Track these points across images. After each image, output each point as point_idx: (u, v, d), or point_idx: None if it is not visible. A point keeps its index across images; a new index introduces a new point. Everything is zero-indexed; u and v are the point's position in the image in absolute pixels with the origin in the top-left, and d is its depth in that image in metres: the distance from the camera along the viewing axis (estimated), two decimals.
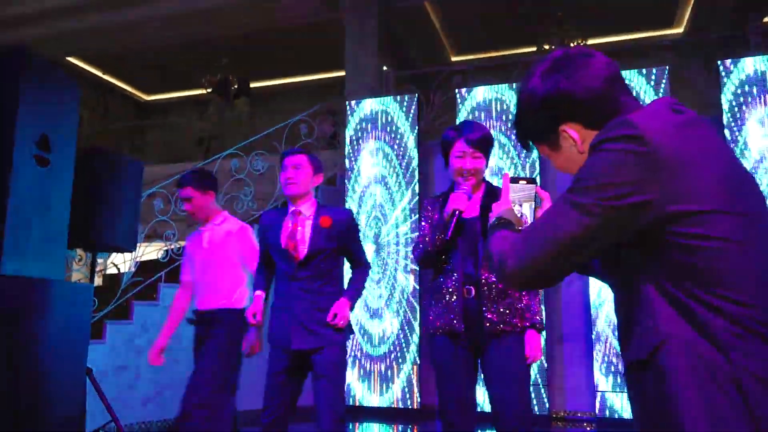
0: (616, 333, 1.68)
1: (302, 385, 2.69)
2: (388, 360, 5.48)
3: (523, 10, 9.06)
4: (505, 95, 5.59)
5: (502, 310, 2.30)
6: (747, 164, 4.93)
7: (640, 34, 9.58)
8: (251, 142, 6.00)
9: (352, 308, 2.74)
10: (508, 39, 9.57)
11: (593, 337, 5.05)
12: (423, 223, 2.50)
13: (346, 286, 2.82)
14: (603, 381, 4.96)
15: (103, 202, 3.52)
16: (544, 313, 5.08)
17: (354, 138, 6.01)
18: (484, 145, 2.43)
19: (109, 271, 5.81)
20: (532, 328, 2.33)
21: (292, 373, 2.64)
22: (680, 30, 9.47)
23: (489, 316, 2.30)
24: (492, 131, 5.52)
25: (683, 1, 9.01)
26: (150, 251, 5.44)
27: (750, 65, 5.07)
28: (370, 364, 5.51)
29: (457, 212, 2.29)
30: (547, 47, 8.67)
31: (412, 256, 4.00)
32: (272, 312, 2.72)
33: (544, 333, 2.55)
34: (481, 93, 5.67)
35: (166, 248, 5.31)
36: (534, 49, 9.34)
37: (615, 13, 8.99)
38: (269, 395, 2.61)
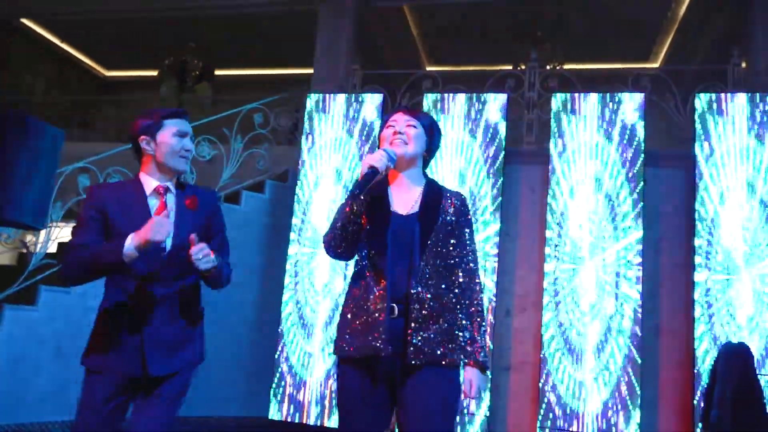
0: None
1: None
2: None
3: (502, 28, 8.90)
4: (477, 106, 5.30)
5: (432, 336, 1.87)
6: (716, 199, 4.75)
7: (617, 64, 9.52)
8: (197, 126, 5.55)
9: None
10: (484, 54, 9.39)
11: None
12: None
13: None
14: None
15: (10, 172, 3.08)
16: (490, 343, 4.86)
17: (312, 133, 5.64)
18: (423, 118, 2.08)
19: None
20: (474, 365, 1.92)
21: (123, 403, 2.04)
22: (656, 65, 9.44)
23: (415, 341, 1.86)
24: (460, 140, 5.27)
25: (661, 37, 8.98)
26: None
27: (728, 101, 4.91)
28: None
29: (373, 169, 1.88)
30: (523, 66, 8.50)
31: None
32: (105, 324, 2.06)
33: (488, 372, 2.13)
34: (452, 99, 5.37)
35: None
36: (510, 67, 9.18)
37: (593, 42, 8.90)
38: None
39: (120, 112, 11.14)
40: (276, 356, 5.18)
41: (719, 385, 3.26)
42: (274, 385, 5.13)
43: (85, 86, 11.59)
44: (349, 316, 1.95)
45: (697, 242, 4.72)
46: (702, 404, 3.73)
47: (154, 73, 10.04)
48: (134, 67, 11.29)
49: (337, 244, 1.98)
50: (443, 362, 1.88)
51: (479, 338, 1.94)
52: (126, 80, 11.78)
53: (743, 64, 6.45)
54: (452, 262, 1.98)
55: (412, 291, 1.88)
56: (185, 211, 2.14)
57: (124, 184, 2.19)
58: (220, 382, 5.20)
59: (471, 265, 2.01)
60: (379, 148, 2.05)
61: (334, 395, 5.01)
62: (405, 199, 2.01)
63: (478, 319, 1.96)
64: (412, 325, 1.86)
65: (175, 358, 2.09)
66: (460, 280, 1.97)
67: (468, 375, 1.93)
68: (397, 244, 1.93)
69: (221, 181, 5.52)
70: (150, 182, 2.14)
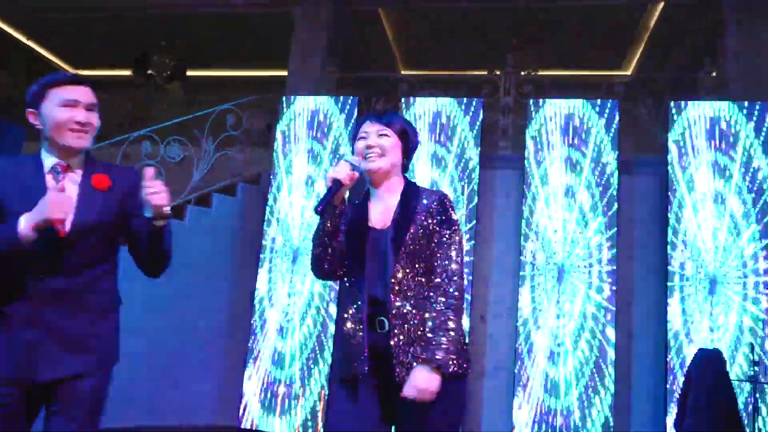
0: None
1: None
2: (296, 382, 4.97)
3: (477, 35, 8.92)
4: (452, 111, 5.27)
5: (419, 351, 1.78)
6: (691, 206, 4.78)
7: (589, 71, 9.61)
8: (167, 126, 5.43)
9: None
10: (459, 60, 9.39)
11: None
12: None
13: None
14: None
15: None
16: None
17: (286, 136, 5.54)
18: (394, 122, 1.97)
19: None
20: (423, 363, 1.74)
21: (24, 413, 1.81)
22: (628, 72, 9.56)
23: (402, 359, 1.78)
24: (435, 144, 5.23)
25: (633, 46, 9.09)
26: None
27: (700, 109, 4.96)
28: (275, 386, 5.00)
29: (336, 182, 1.82)
30: (498, 72, 8.53)
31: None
32: None
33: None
34: (427, 104, 5.33)
35: None
36: (485, 72, 9.19)
37: (566, 50, 8.97)
38: None
39: None
40: (248, 363, 5.07)
41: (693, 391, 3.26)
42: (245, 393, 5.01)
43: None
44: (338, 338, 1.92)
45: (670, 249, 4.75)
46: (676, 411, 3.73)
47: (124, 72, 9.83)
48: (103, 66, 11.05)
49: (320, 265, 1.94)
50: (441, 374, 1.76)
51: (444, 338, 1.76)
52: (94, 79, 11.53)
53: (713, 73, 6.56)
54: (428, 271, 1.87)
55: (390, 306, 1.82)
56: (92, 191, 1.87)
57: (25, 159, 1.93)
58: (189, 389, 5.06)
59: (452, 266, 1.85)
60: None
61: (311, 403, 4.93)
62: (383, 211, 1.94)
63: (450, 320, 1.79)
64: (396, 341, 1.79)
65: (78, 358, 1.81)
66: (437, 280, 1.84)
67: (415, 374, 1.74)
68: (376, 260, 1.87)
69: (191, 183, 5.39)
70: (49, 159, 1.89)
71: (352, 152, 2.03)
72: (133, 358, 4.88)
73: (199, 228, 5.29)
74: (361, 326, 1.83)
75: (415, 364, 1.76)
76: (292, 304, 5.12)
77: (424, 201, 1.92)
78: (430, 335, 1.77)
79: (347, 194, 1.96)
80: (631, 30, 8.69)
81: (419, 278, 1.85)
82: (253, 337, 5.12)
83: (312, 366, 4.97)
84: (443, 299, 1.82)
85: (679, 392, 3.61)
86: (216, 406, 5.19)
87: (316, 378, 4.94)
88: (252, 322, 5.14)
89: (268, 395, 4.99)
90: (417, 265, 1.85)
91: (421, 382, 1.71)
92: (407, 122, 2.04)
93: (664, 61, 8.70)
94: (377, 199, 1.98)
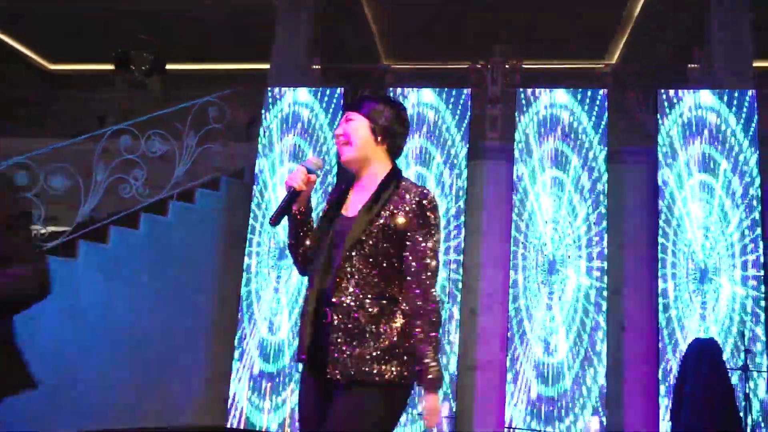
0: None
1: None
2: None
3: (461, 25, 8.85)
4: (439, 102, 5.19)
5: (357, 352, 1.65)
6: (680, 194, 4.76)
7: (574, 61, 9.59)
8: (147, 120, 5.27)
9: None
10: (443, 52, 9.31)
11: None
12: None
13: None
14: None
15: None
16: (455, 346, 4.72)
17: (269, 129, 5.43)
18: (360, 105, 1.83)
19: None
20: (428, 390, 1.67)
21: None
22: (613, 62, 9.55)
23: (336, 356, 1.66)
24: (422, 138, 5.15)
25: (617, 37, 9.08)
26: None
27: (688, 98, 4.93)
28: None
29: (291, 189, 1.75)
30: (482, 64, 8.47)
31: None
32: None
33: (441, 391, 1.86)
34: (415, 96, 5.25)
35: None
36: (468, 65, 9.13)
37: (551, 41, 8.93)
38: None
39: (68, 106, 10.65)
40: (235, 359, 4.97)
41: (689, 382, 3.22)
42: (232, 391, 4.91)
43: (31, 80, 11.04)
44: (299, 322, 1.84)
45: (660, 239, 4.73)
46: (670, 402, 3.70)
47: (101, 66, 9.62)
48: (81, 60, 10.82)
49: (300, 264, 1.88)
50: (376, 380, 1.65)
51: (429, 356, 1.67)
52: (72, 74, 11.28)
53: (698, 64, 6.55)
54: (393, 270, 1.72)
55: (333, 299, 1.69)
56: None
57: None
58: (175, 390, 4.95)
59: (422, 275, 1.71)
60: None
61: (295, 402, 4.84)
62: (359, 200, 1.80)
63: (430, 335, 1.68)
64: (334, 336, 1.66)
65: None
66: (412, 293, 1.71)
67: (426, 402, 1.68)
68: (334, 249, 1.75)
69: (174, 178, 5.25)
70: None
71: None
72: (116, 360, 4.80)
73: (182, 224, 5.16)
74: (305, 318, 1.73)
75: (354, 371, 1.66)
76: (280, 299, 5.02)
77: (402, 194, 1.76)
78: (420, 353, 1.67)
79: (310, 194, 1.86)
80: (615, 20, 8.67)
81: (373, 276, 1.71)
82: (240, 332, 5.01)
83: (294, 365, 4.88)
84: (423, 313, 1.70)
85: (674, 383, 3.58)
86: (202, 405, 5.08)
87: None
88: (239, 317, 5.03)
89: (256, 391, 4.89)
90: (371, 263, 1.71)
91: (434, 405, 1.67)
92: (379, 99, 1.86)
93: (648, 52, 8.70)
94: (359, 187, 1.84)
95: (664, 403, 4.36)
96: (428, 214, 1.74)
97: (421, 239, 1.73)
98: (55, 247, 4.51)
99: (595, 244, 4.75)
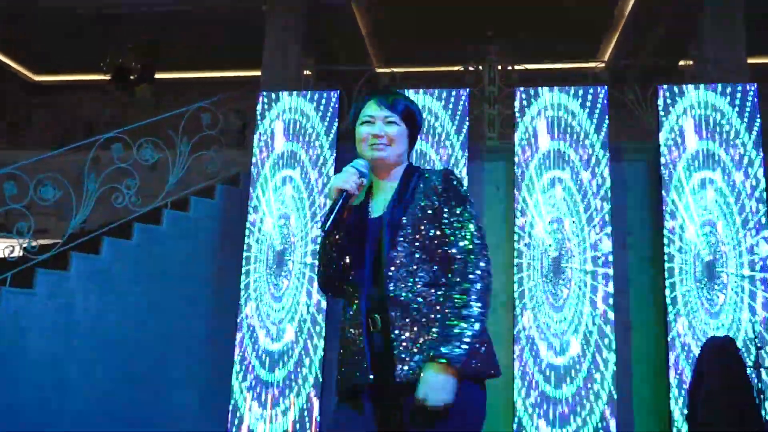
0: None
1: None
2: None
3: (452, 28, 8.80)
4: (437, 103, 5.12)
5: (425, 343, 1.55)
6: (683, 191, 4.71)
7: (566, 61, 9.57)
8: (139, 128, 5.16)
9: None
10: (435, 55, 9.26)
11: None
12: None
13: None
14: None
15: None
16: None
17: (263, 134, 5.32)
18: (401, 106, 1.77)
19: None
20: (435, 362, 1.50)
21: None
22: (605, 59, 9.54)
23: (402, 354, 1.55)
24: (420, 140, 5.06)
25: (608, 35, 9.07)
26: None
27: (687, 93, 4.89)
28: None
29: (343, 194, 1.64)
30: (473, 68, 8.44)
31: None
32: None
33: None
34: (412, 97, 5.16)
35: (16, 244, 4.31)
36: (460, 68, 9.08)
37: (542, 41, 8.90)
38: None
39: (54, 116, 10.48)
40: (234, 368, 4.84)
41: (707, 382, 3.14)
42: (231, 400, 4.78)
43: (14, 91, 10.87)
44: (341, 349, 1.70)
45: (664, 235, 4.66)
46: (684, 403, 3.63)
47: (87, 77, 9.50)
48: (64, 70, 10.66)
49: (332, 283, 1.75)
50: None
51: (463, 329, 1.51)
52: (58, 84, 11.12)
53: (690, 61, 6.55)
54: (439, 248, 1.64)
55: (387, 294, 1.59)
56: None
57: None
58: (172, 398, 4.83)
59: (469, 245, 1.62)
60: (357, 144, 1.79)
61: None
62: (382, 199, 1.75)
63: (468, 306, 1.54)
64: (396, 333, 1.55)
65: None
66: (454, 266, 1.61)
67: (426, 373, 1.50)
68: (372, 251, 1.66)
69: (167, 186, 5.13)
70: None
71: (353, 136, 1.82)
72: (111, 370, 4.66)
73: (177, 233, 5.04)
74: (360, 329, 1.60)
75: (422, 360, 1.54)
76: (278, 306, 4.91)
77: (426, 180, 1.72)
78: (446, 323, 1.52)
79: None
80: (606, 19, 8.67)
81: (423, 264, 1.62)
82: (239, 341, 4.89)
83: (299, 369, 4.77)
84: (462, 284, 1.57)
85: (689, 384, 3.49)
86: (200, 415, 4.95)
87: (302, 382, 4.74)
88: (237, 326, 4.91)
89: (256, 400, 4.77)
90: (419, 250, 1.63)
91: (434, 382, 1.47)
92: (412, 103, 1.83)
93: (640, 49, 8.70)
94: (379, 190, 1.78)
95: (676, 403, 4.30)
96: (457, 187, 1.72)
97: (450, 210, 1.68)
98: (46, 260, 4.39)
99: (599, 243, 4.68)
